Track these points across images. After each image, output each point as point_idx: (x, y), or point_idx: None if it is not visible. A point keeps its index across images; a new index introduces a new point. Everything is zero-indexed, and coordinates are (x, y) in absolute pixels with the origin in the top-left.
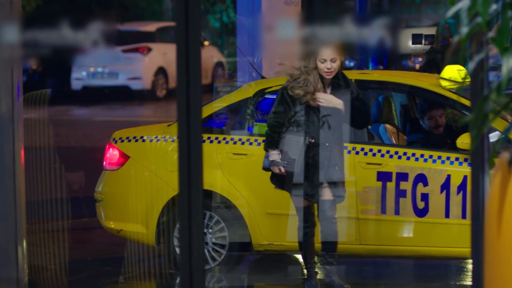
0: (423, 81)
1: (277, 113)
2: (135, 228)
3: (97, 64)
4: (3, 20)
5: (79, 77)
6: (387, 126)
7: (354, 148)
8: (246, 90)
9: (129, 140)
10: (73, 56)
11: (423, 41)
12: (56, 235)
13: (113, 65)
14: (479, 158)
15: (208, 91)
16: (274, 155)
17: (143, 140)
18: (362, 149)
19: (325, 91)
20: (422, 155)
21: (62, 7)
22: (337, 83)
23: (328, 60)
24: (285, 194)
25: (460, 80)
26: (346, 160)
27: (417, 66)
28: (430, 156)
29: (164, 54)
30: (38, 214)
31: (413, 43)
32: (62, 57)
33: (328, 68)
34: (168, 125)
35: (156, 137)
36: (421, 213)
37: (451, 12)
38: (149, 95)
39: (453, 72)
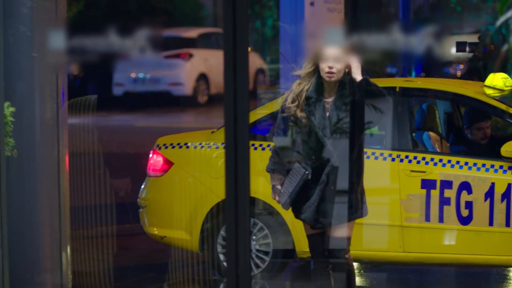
0: (467, 89)
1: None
2: (178, 234)
3: (139, 70)
4: (48, 26)
5: (121, 82)
6: (431, 133)
7: (398, 156)
8: None
9: (173, 147)
10: (114, 61)
11: (467, 49)
12: (100, 241)
13: (154, 71)
14: None
15: (251, 98)
16: (274, 179)
17: (187, 147)
18: (407, 157)
19: (326, 99)
20: (466, 163)
21: (103, 12)
22: (343, 92)
23: (331, 59)
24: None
25: (504, 88)
26: (389, 168)
27: (459, 73)
28: (475, 164)
29: (205, 60)
30: (83, 219)
31: (457, 51)
32: (103, 63)
33: (329, 68)
34: (212, 132)
35: (200, 144)
36: (465, 221)
37: (500, 21)
38: (190, 101)
39: (497, 80)
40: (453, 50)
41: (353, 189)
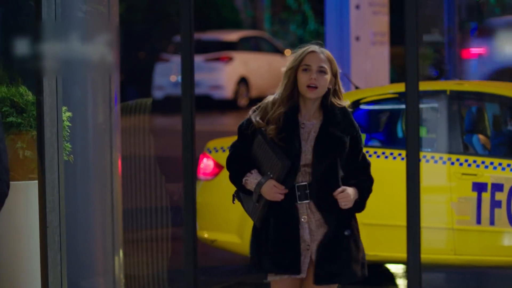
0: None
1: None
2: (229, 238)
3: (179, 73)
4: (102, 29)
5: (161, 86)
6: (480, 136)
7: (449, 159)
8: None
9: (224, 150)
10: (154, 65)
11: None
12: (151, 245)
13: (195, 74)
14: None
15: None
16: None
17: None
18: (458, 160)
19: (303, 127)
20: None
21: (142, 15)
22: (331, 116)
23: (314, 68)
24: (379, 203)
25: None
26: (440, 171)
27: None
28: None
29: (245, 63)
30: (136, 222)
31: None
32: (143, 66)
33: (311, 79)
34: None
35: None
36: None
37: None
38: (231, 104)
39: None
40: None
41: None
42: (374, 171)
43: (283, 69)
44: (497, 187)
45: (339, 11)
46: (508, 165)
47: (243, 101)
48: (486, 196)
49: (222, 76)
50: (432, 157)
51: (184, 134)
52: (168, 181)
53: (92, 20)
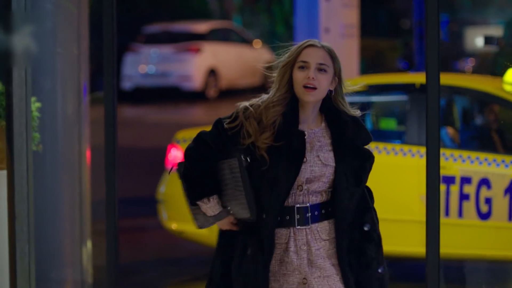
0: (488, 85)
1: None
2: (197, 229)
3: (148, 64)
4: (71, 20)
5: (130, 76)
6: (449, 129)
7: (418, 151)
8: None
9: None
10: (123, 56)
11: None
12: (120, 235)
13: (164, 65)
14: None
15: None
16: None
17: None
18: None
19: (303, 134)
20: (486, 159)
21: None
22: (342, 124)
23: (313, 66)
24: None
25: None
26: (413, 163)
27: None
28: (494, 160)
29: (215, 54)
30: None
31: (486, 44)
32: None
33: (309, 78)
34: None
35: None
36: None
37: None
38: (200, 95)
39: None
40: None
41: None
42: None
43: (276, 64)
44: (466, 180)
45: (309, 2)
46: (477, 158)
47: (212, 92)
48: (454, 189)
49: (191, 67)
50: (401, 149)
51: (106, 125)
52: (137, 172)
53: (62, 11)
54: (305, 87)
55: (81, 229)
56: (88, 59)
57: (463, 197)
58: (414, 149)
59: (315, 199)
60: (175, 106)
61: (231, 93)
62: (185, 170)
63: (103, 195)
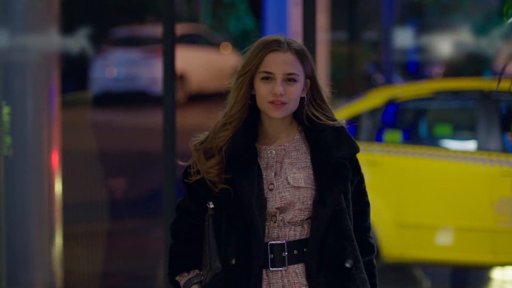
0: None
1: None
2: None
3: (116, 67)
4: (42, 22)
5: (98, 79)
6: (510, 135)
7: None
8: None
9: None
10: (91, 59)
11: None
12: (91, 239)
13: (131, 69)
14: None
15: None
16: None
17: None
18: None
19: (270, 154)
20: None
21: (80, 9)
22: (317, 133)
23: (279, 77)
24: (415, 204)
25: None
26: (484, 170)
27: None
28: None
29: (183, 58)
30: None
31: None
32: (79, 60)
33: (275, 93)
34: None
35: None
36: None
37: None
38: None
39: None
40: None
41: None
42: (397, 168)
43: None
44: None
45: (278, 7)
46: None
47: (180, 97)
48: None
49: (158, 71)
50: (472, 157)
51: (164, 129)
52: (107, 175)
53: (33, 12)
54: (272, 103)
55: (50, 232)
56: (58, 62)
57: None
58: (485, 155)
59: (294, 234)
60: (143, 110)
61: (199, 98)
62: (173, 246)
63: (75, 199)
